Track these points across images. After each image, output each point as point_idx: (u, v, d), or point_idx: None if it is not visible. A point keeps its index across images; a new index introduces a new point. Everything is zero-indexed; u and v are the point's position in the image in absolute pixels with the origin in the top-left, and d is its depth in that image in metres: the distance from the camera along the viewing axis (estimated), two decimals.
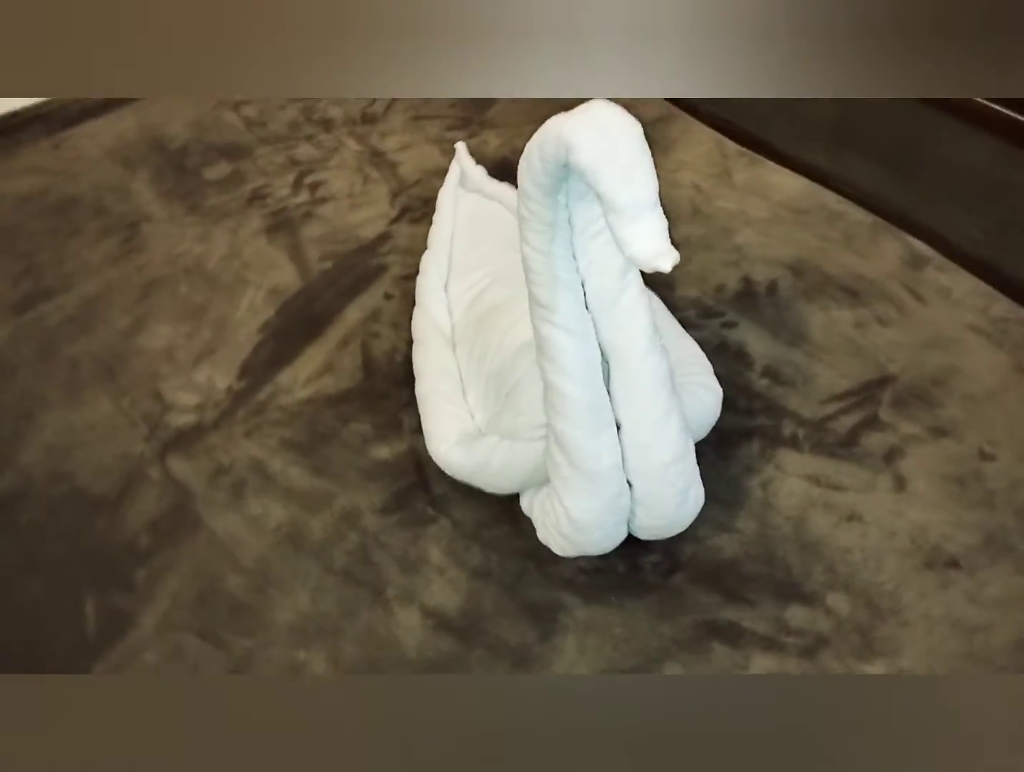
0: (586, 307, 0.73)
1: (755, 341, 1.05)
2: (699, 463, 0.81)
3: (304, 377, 1.03)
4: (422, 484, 0.91)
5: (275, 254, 1.19)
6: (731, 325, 1.07)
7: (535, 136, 0.66)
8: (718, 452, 0.93)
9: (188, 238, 1.22)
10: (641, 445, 0.73)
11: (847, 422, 0.96)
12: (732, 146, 1.33)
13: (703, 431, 0.87)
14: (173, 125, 1.43)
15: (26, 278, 1.16)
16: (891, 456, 0.93)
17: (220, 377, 1.03)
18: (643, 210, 0.60)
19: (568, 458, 0.74)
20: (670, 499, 0.76)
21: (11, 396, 1.02)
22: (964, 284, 1.11)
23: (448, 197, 1.13)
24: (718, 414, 0.87)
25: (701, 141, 1.35)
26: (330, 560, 0.86)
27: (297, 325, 1.09)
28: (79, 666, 0.78)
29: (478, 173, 1.17)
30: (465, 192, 1.15)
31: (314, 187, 1.30)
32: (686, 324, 1.05)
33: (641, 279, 0.74)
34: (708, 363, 0.91)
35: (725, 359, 1.02)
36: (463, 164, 1.17)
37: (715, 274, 1.13)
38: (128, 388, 1.03)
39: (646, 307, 0.72)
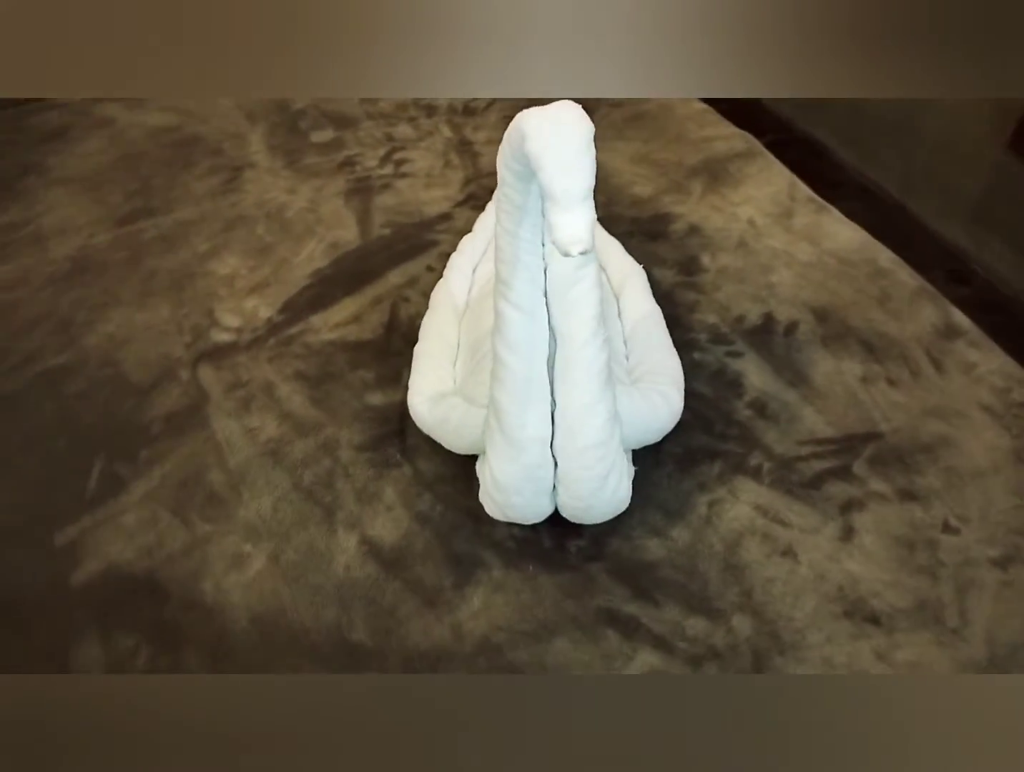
0: (545, 291, 0.79)
1: (754, 374, 1.07)
2: (657, 473, 0.85)
3: (333, 322, 1.14)
4: (399, 433, 1.00)
5: (345, 214, 1.31)
6: (736, 355, 1.09)
7: (511, 124, 0.73)
8: (679, 466, 0.96)
9: (278, 188, 1.36)
10: (567, 426, 0.79)
11: (816, 466, 0.96)
12: (804, 191, 1.34)
13: (651, 436, 0.91)
14: None
15: (138, 196, 1.34)
16: (849, 507, 0.93)
17: (264, 308, 1.16)
18: (574, 201, 0.66)
19: (499, 423, 0.80)
20: (586, 482, 0.80)
21: (95, 290, 1.19)
22: (992, 362, 1.08)
23: None
24: (669, 425, 0.91)
25: (774, 182, 1.37)
26: (300, 478, 0.96)
27: (343, 278, 1.21)
28: (71, 515, 0.92)
29: None
30: None
31: (399, 163, 1.41)
32: (692, 345, 1.09)
33: (596, 275, 0.78)
34: (680, 379, 0.94)
35: (718, 385, 1.05)
36: None
37: (739, 305, 1.16)
38: (187, 302, 1.17)
39: (594, 300, 0.78)
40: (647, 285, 1.07)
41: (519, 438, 0.79)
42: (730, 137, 1.46)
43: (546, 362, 0.79)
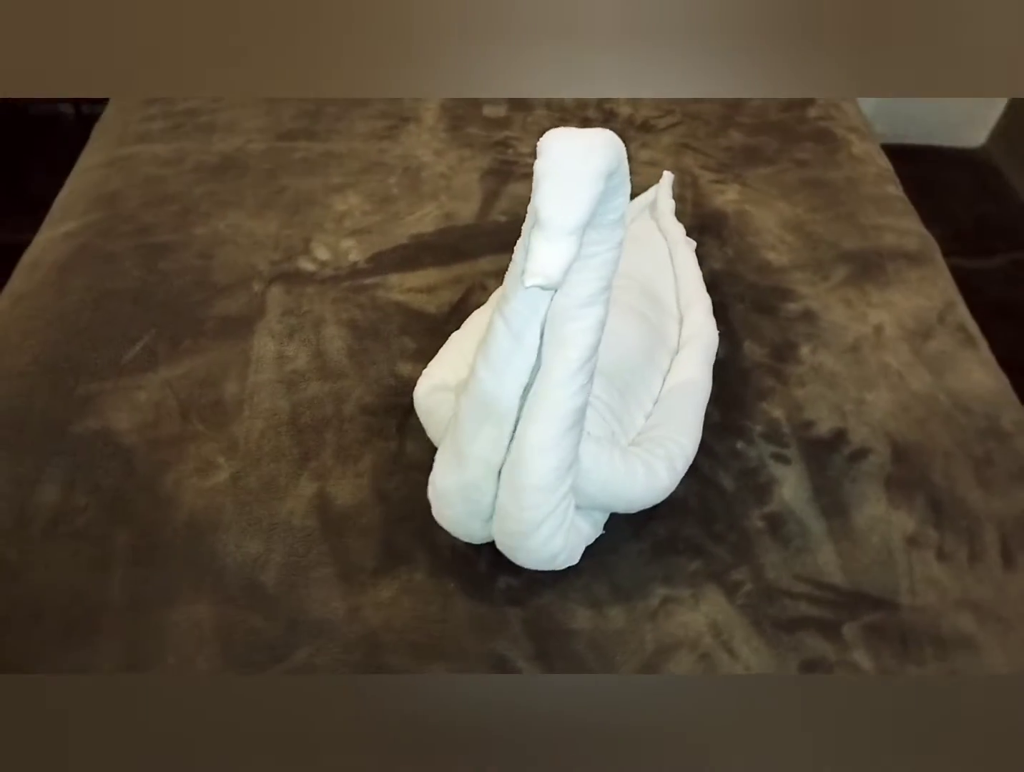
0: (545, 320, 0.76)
1: (790, 487, 0.95)
2: (627, 546, 0.84)
3: (407, 286, 1.16)
4: (407, 409, 1.00)
5: (474, 190, 1.32)
6: (782, 460, 0.98)
7: None
8: (654, 549, 0.89)
9: (428, 147, 1.39)
10: (514, 460, 0.75)
11: (802, 610, 0.85)
12: (959, 316, 1.17)
13: (619, 504, 0.83)
14: None
15: (305, 117, 1.43)
16: (812, 667, 0.81)
17: (355, 252, 1.20)
18: (557, 233, 0.62)
19: (453, 431, 0.78)
20: (516, 522, 0.76)
21: (227, 188, 1.29)
22: None
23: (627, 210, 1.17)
24: (645, 499, 0.83)
25: (930, 296, 1.20)
26: (299, 416, 0.99)
27: (439, 248, 1.22)
28: (100, 374, 1.01)
29: (668, 208, 1.18)
30: (646, 216, 1.17)
31: None
32: (741, 433, 0.99)
33: (600, 319, 0.73)
34: (681, 459, 0.86)
35: (744, 483, 0.95)
36: (661, 193, 1.19)
37: (814, 410, 1.04)
38: (295, 225, 1.24)
39: (586, 343, 0.73)
40: (712, 354, 0.99)
41: (465, 452, 0.76)
42: (907, 233, 1.30)
43: (521, 389, 0.76)
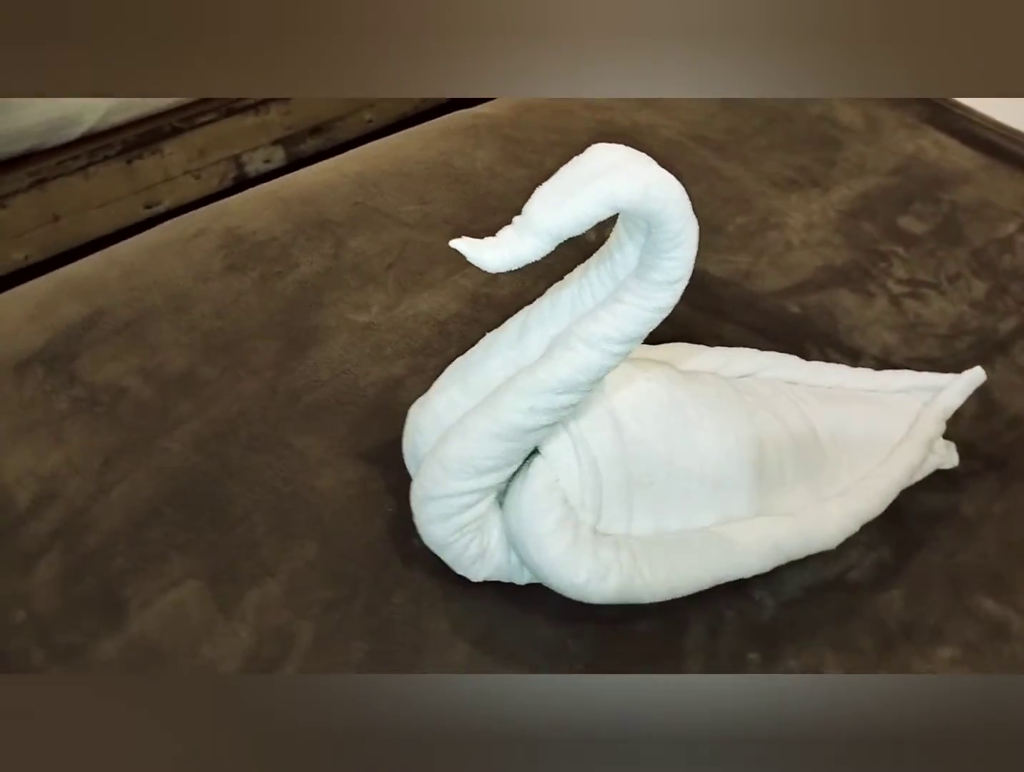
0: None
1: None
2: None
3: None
4: None
5: None
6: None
7: None
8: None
9: None
10: (445, 429, 0.71)
11: None
12: None
13: (537, 571, 0.71)
14: None
15: None
16: None
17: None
18: (524, 228, 0.57)
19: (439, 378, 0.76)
20: (415, 486, 0.71)
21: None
22: None
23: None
24: (578, 592, 0.70)
25: None
26: (345, 371, 0.94)
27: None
28: None
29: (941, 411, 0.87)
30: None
31: None
32: None
33: (587, 366, 0.65)
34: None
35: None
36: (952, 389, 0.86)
37: None
38: None
39: (556, 375, 0.65)
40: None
41: (431, 398, 0.74)
42: None
43: (500, 377, 0.70)
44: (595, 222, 0.58)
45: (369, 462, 0.87)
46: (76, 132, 1.58)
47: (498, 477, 0.68)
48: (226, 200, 1.19)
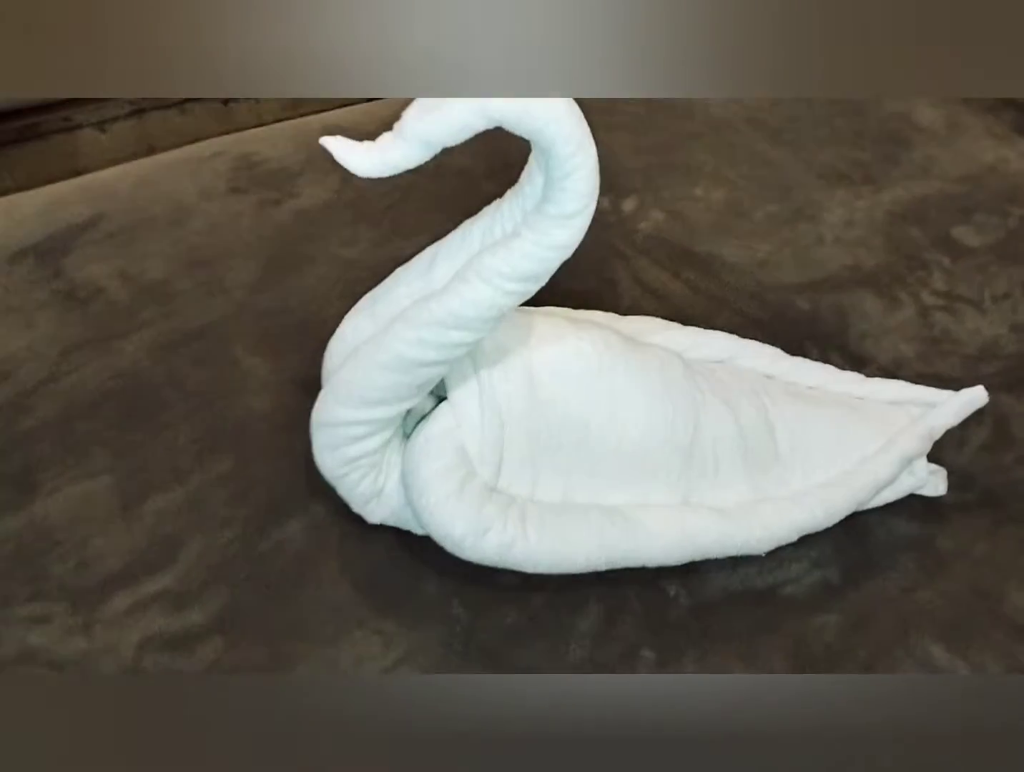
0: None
1: None
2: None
3: None
4: None
5: None
6: None
7: None
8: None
9: None
10: (345, 355, 0.67)
11: None
12: None
13: (417, 516, 0.68)
14: None
15: None
16: None
17: None
18: (396, 132, 0.54)
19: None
20: (314, 410, 0.68)
21: None
22: None
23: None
24: (456, 545, 0.66)
25: None
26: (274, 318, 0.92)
27: None
28: None
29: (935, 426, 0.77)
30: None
31: None
32: None
33: (478, 301, 0.61)
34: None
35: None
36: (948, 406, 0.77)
37: None
38: None
39: (445, 307, 0.61)
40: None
41: (343, 324, 0.70)
42: None
43: (402, 305, 0.65)
44: (471, 133, 0.54)
45: (309, 392, 0.85)
46: None
47: (387, 411, 0.65)
48: (256, 129, 1.20)
